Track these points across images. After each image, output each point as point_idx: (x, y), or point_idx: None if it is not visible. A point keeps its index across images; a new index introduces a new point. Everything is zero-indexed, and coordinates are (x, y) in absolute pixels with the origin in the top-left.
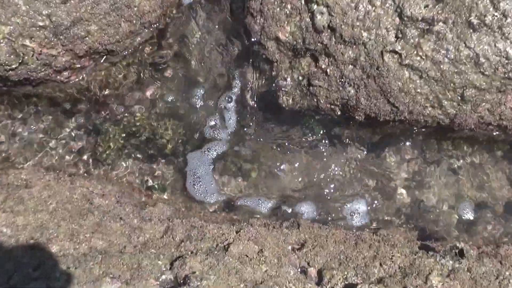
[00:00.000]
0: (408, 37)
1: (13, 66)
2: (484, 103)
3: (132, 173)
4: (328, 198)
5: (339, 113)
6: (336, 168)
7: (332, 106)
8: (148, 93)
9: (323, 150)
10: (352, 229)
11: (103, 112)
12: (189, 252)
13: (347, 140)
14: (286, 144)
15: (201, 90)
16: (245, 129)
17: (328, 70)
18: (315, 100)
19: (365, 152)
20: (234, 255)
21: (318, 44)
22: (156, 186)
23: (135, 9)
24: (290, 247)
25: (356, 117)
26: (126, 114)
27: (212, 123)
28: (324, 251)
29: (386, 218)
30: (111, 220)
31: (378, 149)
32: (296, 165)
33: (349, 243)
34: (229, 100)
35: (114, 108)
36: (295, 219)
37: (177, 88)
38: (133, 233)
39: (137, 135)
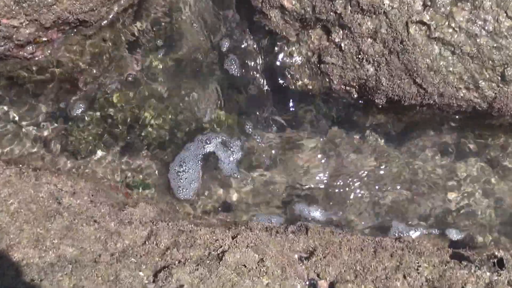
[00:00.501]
0: (438, 5)
1: None
2: None
3: (109, 167)
4: (342, 197)
5: (355, 96)
6: (352, 162)
7: (348, 88)
8: (129, 72)
9: (337, 141)
10: (371, 235)
11: (74, 95)
12: (176, 262)
13: (365, 129)
14: (293, 133)
15: (193, 69)
16: (244, 116)
17: (342, 45)
18: (327, 80)
19: (387, 144)
20: (229, 265)
21: (331, 13)
22: (137, 182)
23: None
24: (296, 256)
25: (376, 100)
26: (103, 97)
27: (206, 107)
28: (337, 261)
29: (411, 221)
30: (83, 223)
31: (402, 140)
32: (304, 158)
33: (367, 251)
34: (225, 81)
35: (88, 89)
36: (303, 222)
37: (164, 66)
38: (110, 238)
39: (116, 122)
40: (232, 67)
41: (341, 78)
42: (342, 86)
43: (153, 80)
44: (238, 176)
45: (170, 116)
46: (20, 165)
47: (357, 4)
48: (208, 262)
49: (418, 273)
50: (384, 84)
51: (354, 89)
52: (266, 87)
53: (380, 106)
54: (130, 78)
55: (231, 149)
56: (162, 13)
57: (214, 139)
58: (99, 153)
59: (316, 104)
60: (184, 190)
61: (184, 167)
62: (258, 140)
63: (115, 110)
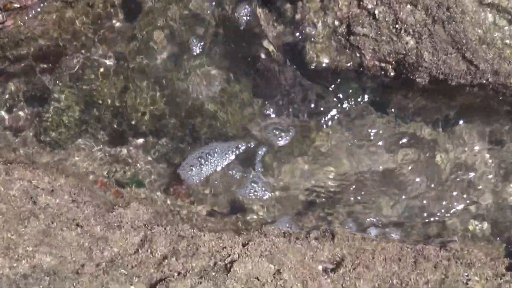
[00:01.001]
0: None
1: None
2: None
3: (94, 160)
4: (376, 196)
5: (392, 73)
6: (387, 155)
7: (383, 64)
8: (119, 46)
9: (369, 128)
10: (410, 241)
11: (53, 73)
12: (175, 274)
13: (404, 113)
14: (315, 119)
15: (194, 41)
16: (257, 98)
17: (376, 12)
18: (357, 55)
19: (431, 132)
20: (239, 277)
21: None
22: (129, 178)
23: None
24: (320, 267)
25: (417, 79)
26: (87, 76)
27: (212, 88)
28: (370, 273)
29: (460, 225)
30: (63, 227)
31: (448, 127)
32: (328, 150)
33: (406, 261)
34: (234, 56)
35: (69, 66)
36: (328, 226)
37: (158, 39)
38: (95, 245)
39: (101, 105)
40: (243, 40)
41: (374, 52)
42: (376, 62)
43: (148, 56)
44: (251, 171)
45: (168, 99)
46: None
47: None
48: (213, 274)
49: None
50: (426, 59)
51: (390, 66)
52: (282, 64)
53: (422, 87)
54: (120, 53)
55: (242, 138)
56: None
57: (222, 126)
58: (82, 142)
59: (343, 85)
60: (188, 187)
61: (186, 160)
62: (273, 127)
63: (101, 91)
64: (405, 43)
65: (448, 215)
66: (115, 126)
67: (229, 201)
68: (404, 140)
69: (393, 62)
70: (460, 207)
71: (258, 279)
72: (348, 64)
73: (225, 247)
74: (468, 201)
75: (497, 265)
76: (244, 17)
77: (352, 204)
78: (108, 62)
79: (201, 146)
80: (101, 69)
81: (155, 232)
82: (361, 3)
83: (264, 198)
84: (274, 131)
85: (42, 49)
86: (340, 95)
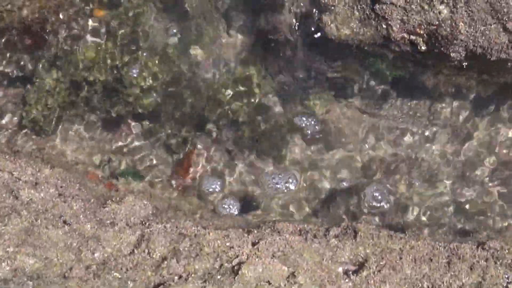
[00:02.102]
0: None
1: None
2: None
3: (84, 147)
4: (404, 189)
5: (423, 48)
6: (418, 141)
7: (412, 37)
8: (110, 17)
9: (396, 112)
10: (443, 239)
11: (36, 49)
12: (176, 277)
13: (437, 93)
14: (335, 102)
15: (201, 10)
16: (270, 77)
17: None
18: (384, 27)
19: (467, 115)
20: (248, 281)
21: None
22: (124, 169)
23: None
24: (341, 269)
25: (452, 54)
26: (75, 52)
27: (219, 64)
28: (397, 276)
29: (501, 222)
30: (48, 224)
31: (488, 110)
32: (350, 137)
33: (438, 261)
34: (243, 28)
35: (54, 42)
36: (350, 222)
37: (156, 7)
38: (85, 246)
39: (93, 85)
40: (250, 11)
41: (403, 23)
42: (405, 35)
43: (147, 28)
44: (264, 161)
45: (171, 77)
46: None
47: None
48: (219, 277)
49: None
50: (462, 31)
51: (421, 39)
52: (297, 38)
53: (458, 63)
54: (113, 26)
55: (255, 124)
56: None
57: (233, 108)
58: (71, 128)
59: (367, 61)
60: (192, 179)
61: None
62: (288, 111)
63: (91, 69)
64: (437, 13)
65: (487, 209)
66: (108, 108)
67: (238, 195)
68: (436, 124)
69: (424, 34)
70: (500, 201)
71: (270, 283)
72: (373, 38)
73: (232, 247)
74: (509, 194)
75: None
76: None
77: (378, 197)
78: (99, 35)
79: (209, 133)
80: (91, 43)
81: (153, 230)
82: None
83: (278, 190)
84: (291, 116)
85: (22, 22)
86: (364, 73)
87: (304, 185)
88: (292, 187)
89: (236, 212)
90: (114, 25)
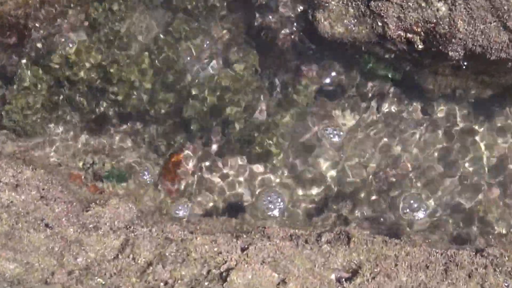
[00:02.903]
0: None
1: None
2: None
3: (66, 148)
4: (401, 193)
5: (420, 46)
6: (415, 144)
7: (409, 35)
8: (95, 12)
9: (393, 113)
10: (440, 246)
11: (16, 47)
12: (161, 284)
13: (433, 95)
14: (328, 103)
15: (192, 5)
16: (263, 76)
17: None
18: (379, 25)
19: (465, 117)
20: None
21: None
22: (108, 171)
23: None
24: (333, 276)
25: (450, 53)
26: (56, 48)
27: (209, 64)
28: (392, 283)
29: (498, 227)
30: (30, 228)
31: (487, 112)
32: (346, 136)
33: (435, 269)
34: (235, 24)
35: (37, 39)
36: (343, 228)
37: (144, 1)
38: (68, 250)
39: (77, 85)
40: (243, 8)
41: (399, 21)
42: (401, 33)
43: (133, 24)
44: (254, 162)
45: (158, 76)
46: None
47: None
48: (206, 284)
49: None
50: (461, 29)
51: (418, 38)
52: (290, 36)
53: (456, 62)
54: (97, 21)
55: (246, 123)
56: None
57: (224, 108)
58: (53, 128)
59: (363, 60)
60: (179, 181)
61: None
62: (281, 109)
63: (75, 68)
64: (435, 10)
65: (486, 214)
66: (92, 108)
67: (226, 198)
68: (434, 127)
69: (422, 32)
70: (500, 206)
71: None
72: (369, 36)
73: (221, 252)
74: (509, 200)
75: None
76: None
77: (372, 201)
78: (83, 32)
79: (197, 134)
80: (75, 40)
81: (138, 235)
82: None
83: (268, 193)
84: (283, 114)
85: (7, 18)
86: (359, 73)
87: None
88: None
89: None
90: (99, 20)
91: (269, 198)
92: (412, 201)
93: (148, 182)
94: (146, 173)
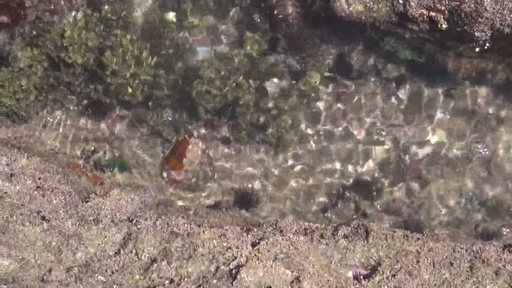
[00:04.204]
0: None
1: None
2: None
3: (64, 135)
4: (421, 184)
5: (444, 26)
6: (435, 130)
7: (432, 14)
8: None
9: (413, 97)
10: (465, 241)
11: (10, 26)
12: (167, 282)
13: (457, 78)
14: (345, 86)
15: None
16: (273, 58)
17: None
18: (400, 2)
19: (491, 102)
20: (248, 287)
21: None
22: (109, 160)
23: None
24: (351, 273)
25: (476, 34)
26: (52, 29)
27: (213, 46)
28: (414, 281)
29: None
30: (25, 221)
31: None
32: (364, 122)
33: (460, 265)
34: (248, 4)
35: (31, 18)
36: (362, 221)
37: None
38: (66, 245)
39: (72, 66)
40: None
41: None
42: (424, 11)
43: (132, 4)
44: (266, 148)
45: (161, 58)
46: None
47: None
48: (215, 282)
49: None
50: (488, 8)
51: (441, 16)
52: (302, 15)
53: (482, 43)
54: (94, 2)
55: (254, 109)
56: None
57: (229, 94)
58: (50, 113)
59: (382, 41)
60: (184, 171)
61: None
62: (293, 94)
63: (71, 48)
64: None
65: None
66: (91, 92)
67: (236, 189)
68: (458, 113)
69: (446, 11)
70: None
71: None
72: (389, 14)
73: (230, 248)
74: None
75: None
76: None
77: (393, 192)
78: (80, 12)
79: (204, 121)
80: (72, 21)
81: (142, 228)
82: None
83: (281, 183)
84: (294, 99)
85: None
86: (378, 54)
87: None
88: None
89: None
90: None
91: None
92: None
93: (152, 171)
94: (149, 161)
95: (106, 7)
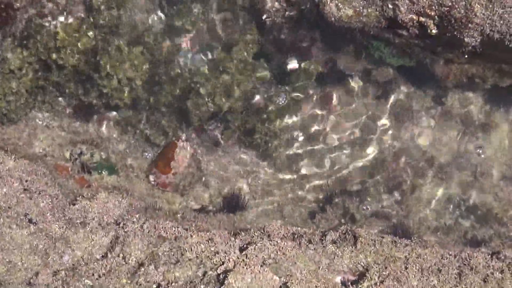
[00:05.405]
0: None
1: None
2: None
3: (52, 138)
4: (410, 190)
5: (434, 31)
6: (426, 137)
7: (422, 19)
8: None
9: (403, 103)
10: (453, 247)
11: (1, 27)
12: (154, 286)
13: (447, 84)
14: (336, 89)
15: None
16: (261, 60)
17: None
18: (390, 7)
19: (481, 109)
20: None
21: None
22: (97, 162)
23: None
24: (339, 279)
25: (466, 39)
26: (43, 31)
27: (205, 52)
28: (402, 287)
29: None
30: (12, 224)
31: (505, 104)
32: (349, 130)
33: (448, 272)
34: (232, 8)
35: (22, 18)
36: (350, 226)
37: None
38: (53, 248)
39: (63, 68)
40: None
41: (411, 3)
42: (414, 17)
43: (124, 8)
44: (254, 153)
45: (152, 62)
46: None
47: None
48: (202, 287)
49: None
50: (478, 14)
51: (431, 22)
52: (291, 19)
53: (471, 49)
54: (88, 4)
55: (245, 114)
56: None
57: (220, 98)
58: (38, 115)
59: (371, 47)
60: (174, 172)
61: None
62: (281, 99)
63: (62, 50)
64: None
65: (503, 213)
66: (80, 95)
67: (224, 193)
68: (447, 119)
69: (436, 16)
70: None
71: None
72: (378, 19)
73: (218, 252)
74: None
75: None
76: None
77: (382, 197)
78: (72, 15)
79: (193, 124)
80: (63, 23)
81: (129, 232)
82: None
83: (269, 188)
84: (281, 99)
85: None
86: (367, 60)
87: None
88: None
89: None
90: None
91: None
92: None
93: (140, 174)
94: (137, 164)
95: (101, 9)
